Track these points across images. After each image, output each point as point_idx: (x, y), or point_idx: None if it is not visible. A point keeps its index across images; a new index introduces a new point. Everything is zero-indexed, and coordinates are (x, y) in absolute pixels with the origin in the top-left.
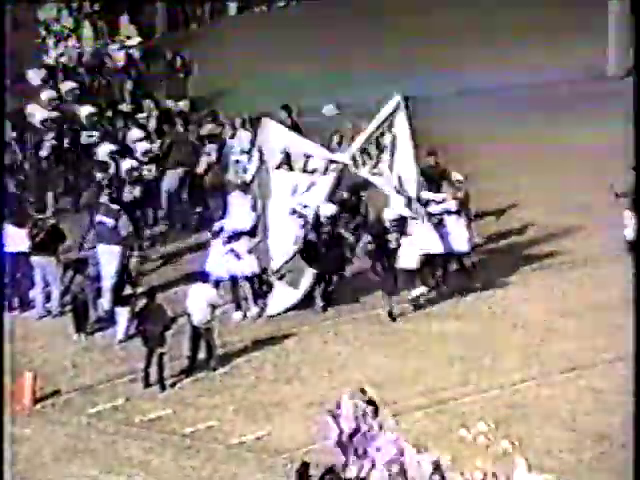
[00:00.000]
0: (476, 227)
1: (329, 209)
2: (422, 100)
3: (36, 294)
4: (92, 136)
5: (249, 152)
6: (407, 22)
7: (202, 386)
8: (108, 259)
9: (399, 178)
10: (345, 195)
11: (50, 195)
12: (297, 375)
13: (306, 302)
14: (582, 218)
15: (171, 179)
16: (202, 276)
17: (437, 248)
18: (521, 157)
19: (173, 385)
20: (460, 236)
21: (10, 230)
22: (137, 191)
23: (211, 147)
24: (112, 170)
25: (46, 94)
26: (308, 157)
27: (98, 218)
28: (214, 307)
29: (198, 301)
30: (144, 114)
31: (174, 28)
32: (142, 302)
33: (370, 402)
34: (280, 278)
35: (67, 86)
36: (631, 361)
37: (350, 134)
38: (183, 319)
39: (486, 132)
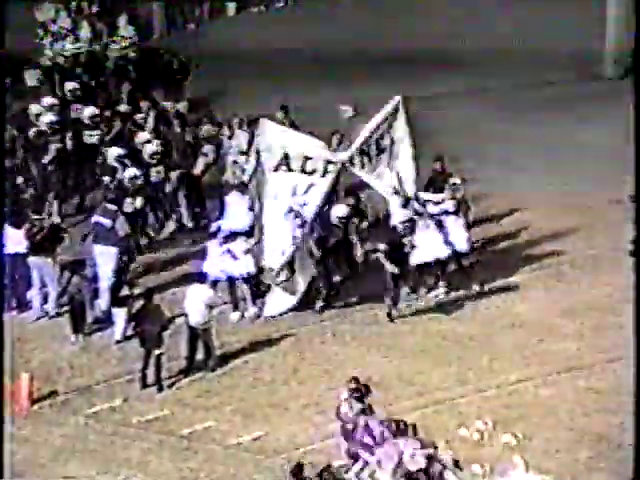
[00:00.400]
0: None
1: (341, 210)
2: (422, 100)
3: (33, 295)
4: (93, 135)
5: (247, 153)
6: (407, 22)
7: (200, 387)
8: (105, 260)
9: (399, 178)
10: (352, 200)
11: (51, 196)
12: (295, 376)
13: (304, 303)
14: (582, 218)
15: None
16: (200, 277)
17: (444, 252)
18: (521, 157)
19: (171, 386)
20: (459, 236)
21: (8, 231)
22: (139, 202)
23: (209, 148)
24: (119, 175)
25: (47, 100)
26: (307, 158)
27: (95, 219)
28: (212, 308)
29: (196, 302)
30: (142, 115)
31: (172, 29)
32: (139, 303)
33: (357, 390)
34: (277, 284)
35: (69, 86)
36: (631, 361)
37: (350, 134)
38: (181, 320)
39: (486, 132)
